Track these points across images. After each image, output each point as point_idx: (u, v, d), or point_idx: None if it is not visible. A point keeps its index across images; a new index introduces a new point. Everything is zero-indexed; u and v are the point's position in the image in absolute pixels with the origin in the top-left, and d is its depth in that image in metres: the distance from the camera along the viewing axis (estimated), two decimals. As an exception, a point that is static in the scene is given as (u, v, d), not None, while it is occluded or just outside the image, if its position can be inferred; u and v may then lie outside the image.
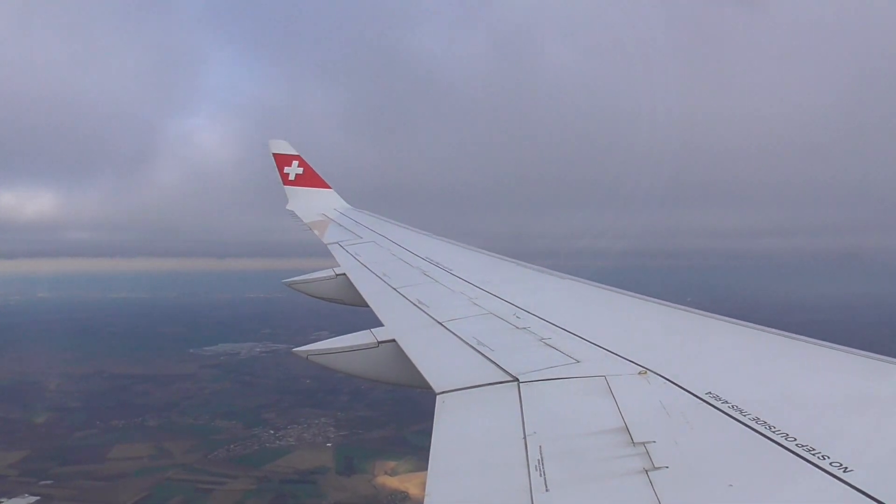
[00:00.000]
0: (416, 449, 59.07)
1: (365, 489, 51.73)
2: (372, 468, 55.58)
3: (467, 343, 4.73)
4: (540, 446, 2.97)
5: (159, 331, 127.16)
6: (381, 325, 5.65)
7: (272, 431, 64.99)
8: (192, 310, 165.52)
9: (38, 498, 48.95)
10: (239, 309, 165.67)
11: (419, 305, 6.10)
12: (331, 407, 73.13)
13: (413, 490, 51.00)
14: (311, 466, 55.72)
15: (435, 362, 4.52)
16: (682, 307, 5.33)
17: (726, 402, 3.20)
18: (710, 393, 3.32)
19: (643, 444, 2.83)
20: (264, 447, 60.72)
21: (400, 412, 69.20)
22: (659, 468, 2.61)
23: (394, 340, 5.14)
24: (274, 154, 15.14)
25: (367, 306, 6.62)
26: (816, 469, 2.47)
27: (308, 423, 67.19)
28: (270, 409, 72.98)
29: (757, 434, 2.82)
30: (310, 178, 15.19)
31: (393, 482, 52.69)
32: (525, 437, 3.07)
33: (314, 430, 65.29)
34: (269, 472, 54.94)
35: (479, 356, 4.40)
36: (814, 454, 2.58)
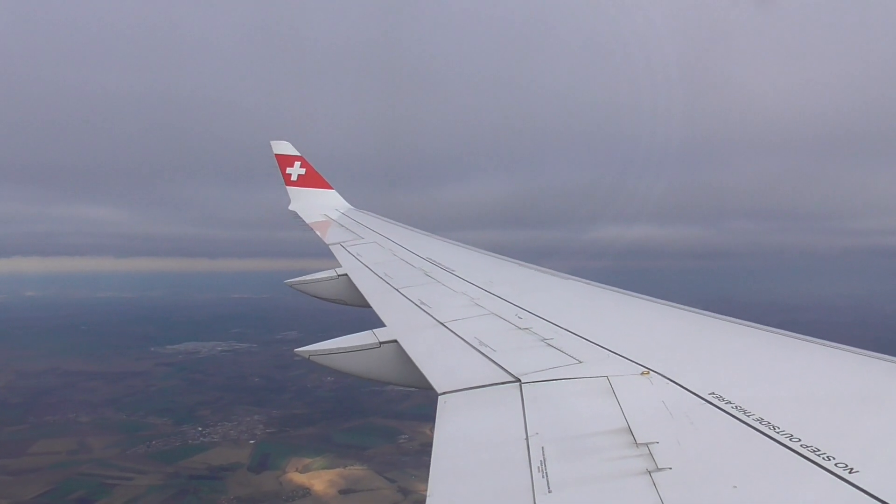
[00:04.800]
0: (337, 447, 59.03)
1: (270, 486, 51.61)
2: (285, 465, 55.43)
3: (469, 343, 4.74)
4: (542, 447, 2.95)
5: (129, 329, 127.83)
6: (383, 325, 5.68)
7: (200, 428, 65.09)
8: (171, 309, 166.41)
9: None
10: (218, 309, 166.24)
11: (421, 306, 6.13)
12: (269, 405, 73.22)
13: (318, 486, 50.89)
14: (225, 463, 55.72)
15: (437, 363, 4.54)
16: (685, 307, 5.29)
17: (730, 402, 3.16)
18: (713, 393, 3.29)
19: (646, 444, 2.81)
20: (186, 444, 60.83)
21: (335, 411, 69.17)
22: (662, 469, 2.58)
23: (395, 341, 5.16)
24: (276, 155, 15.13)
25: (369, 307, 6.68)
26: (822, 470, 2.43)
27: (239, 421, 67.32)
28: (207, 406, 73.20)
29: (761, 434, 2.78)
30: (312, 179, 15.19)
31: (300, 479, 52.51)
32: (527, 438, 3.06)
33: (242, 428, 65.33)
34: (182, 468, 55.05)
35: (481, 357, 4.41)
36: (819, 455, 2.53)
